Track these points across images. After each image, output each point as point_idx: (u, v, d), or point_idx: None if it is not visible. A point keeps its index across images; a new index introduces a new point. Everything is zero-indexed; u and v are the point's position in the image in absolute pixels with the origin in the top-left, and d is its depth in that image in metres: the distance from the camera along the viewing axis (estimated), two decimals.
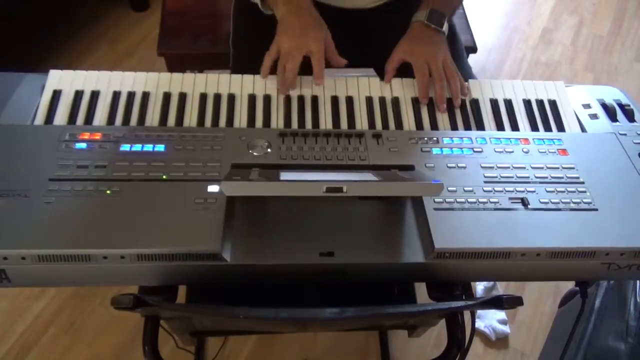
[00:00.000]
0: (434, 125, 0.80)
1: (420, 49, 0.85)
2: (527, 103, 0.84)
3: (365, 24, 1.02)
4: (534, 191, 0.68)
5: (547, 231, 0.64)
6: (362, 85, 0.84)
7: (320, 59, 0.81)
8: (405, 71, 0.86)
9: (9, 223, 0.60)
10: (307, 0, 0.86)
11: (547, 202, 0.67)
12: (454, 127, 0.80)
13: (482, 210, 0.66)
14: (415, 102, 0.83)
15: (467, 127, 0.80)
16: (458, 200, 0.67)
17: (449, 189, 0.68)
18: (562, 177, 0.71)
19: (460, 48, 1.02)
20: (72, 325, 1.29)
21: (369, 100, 0.82)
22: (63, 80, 0.79)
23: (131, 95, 0.78)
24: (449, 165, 0.71)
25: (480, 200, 0.67)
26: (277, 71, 0.82)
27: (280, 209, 0.66)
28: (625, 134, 0.78)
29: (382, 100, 0.82)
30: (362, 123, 0.79)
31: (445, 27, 0.88)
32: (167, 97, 0.79)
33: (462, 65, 0.96)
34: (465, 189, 0.68)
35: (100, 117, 0.76)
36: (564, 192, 0.69)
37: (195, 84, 0.81)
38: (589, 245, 0.64)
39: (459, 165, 0.71)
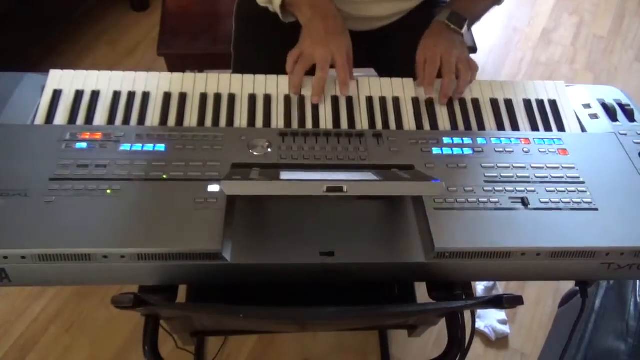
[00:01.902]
0: (434, 125, 0.80)
1: (437, 42, 0.86)
2: (528, 103, 0.84)
3: (371, 39, 1.03)
4: (534, 191, 0.68)
5: (547, 231, 0.64)
6: (362, 85, 0.84)
7: (344, 66, 0.81)
8: (407, 73, 0.86)
9: (9, 223, 0.60)
10: (333, 6, 0.87)
11: (548, 202, 0.67)
12: (454, 127, 0.80)
13: (483, 210, 0.66)
14: (416, 102, 0.83)
15: (468, 127, 0.80)
16: (458, 200, 0.67)
17: (449, 188, 0.68)
18: (563, 177, 0.71)
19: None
20: (72, 324, 1.29)
21: (369, 100, 0.82)
22: (63, 80, 0.79)
23: (131, 95, 0.78)
24: (449, 165, 0.71)
25: (480, 200, 0.67)
26: (291, 71, 0.82)
27: (281, 209, 0.66)
28: (625, 134, 0.78)
29: (383, 100, 0.82)
30: (362, 123, 0.79)
31: (464, 30, 0.89)
32: (167, 97, 0.79)
33: None
34: (466, 188, 0.68)
35: (101, 116, 0.76)
36: (564, 191, 0.69)
37: (196, 84, 0.81)
38: (589, 245, 0.64)
39: (459, 165, 0.71)
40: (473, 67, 0.84)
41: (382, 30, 1.02)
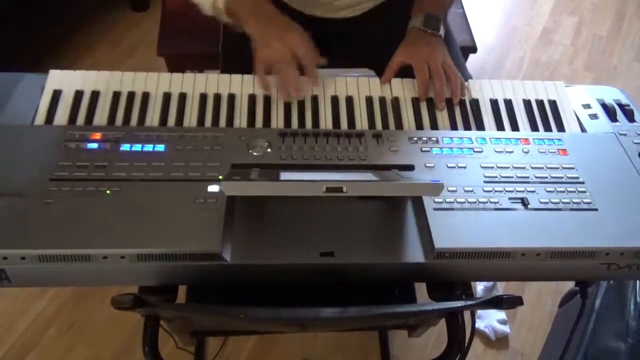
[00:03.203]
0: (434, 125, 0.80)
1: (419, 50, 0.86)
2: (527, 103, 0.84)
3: (358, 30, 1.02)
4: (534, 191, 0.68)
5: (547, 231, 0.64)
6: (362, 85, 0.84)
7: (310, 61, 0.80)
8: (405, 72, 0.86)
9: (9, 223, 0.60)
10: (273, 8, 0.84)
11: (547, 202, 0.67)
12: (454, 127, 0.80)
13: (482, 210, 0.66)
14: (416, 102, 0.83)
15: (467, 127, 0.80)
16: (458, 200, 0.67)
17: (449, 189, 0.68)
18: (562, 177, 0.71)
19: (455, 49, 1.02)
20: (72, 325, 1.29)
21: (369, 100, 0.82)
22: (63, 80, 0.79)
23: (131, 95, 0.78)
24: (449, 165, 0.71)
25: (480, 200, 0.67)
26: (267, 87, 0.81)
27: (281, 209, 0.66)
28: (625, 134, 0.78)
29: (382, 100, 0.82)
30: (362, 123, 0.79)
31: (442, 31, 0.88)
32: (167, 97, 0.79)
33: (459, 66, 0.96)
34: (465, 189, 0.68)
35: (101, 117, 0.76)
36: (563, 192, 0.69)
37: (195, 84, 0.81)
38: (589, 245, 0.64)
39: (459, 165, 0.71)
40: (457, 72, 0.84)
41: (365, 21, 1.00)
